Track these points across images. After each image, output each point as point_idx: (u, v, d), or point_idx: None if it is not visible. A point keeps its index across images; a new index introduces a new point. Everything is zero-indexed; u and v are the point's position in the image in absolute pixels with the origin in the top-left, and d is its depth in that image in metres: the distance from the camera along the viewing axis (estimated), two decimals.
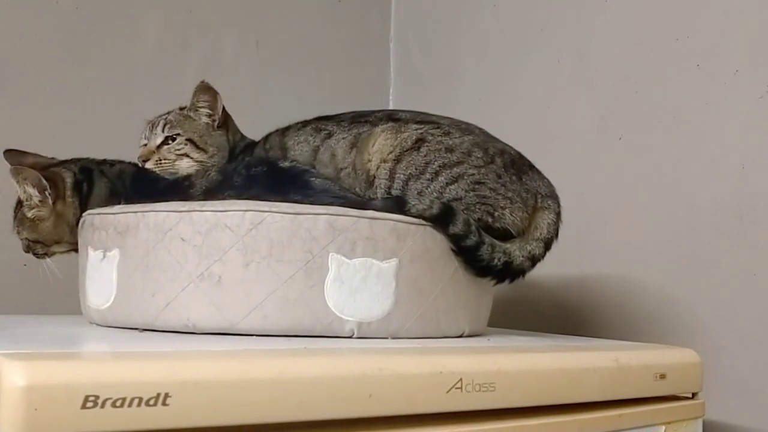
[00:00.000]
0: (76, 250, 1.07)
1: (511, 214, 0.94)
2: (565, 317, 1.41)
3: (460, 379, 0.72)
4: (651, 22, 1.34)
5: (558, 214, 0.98)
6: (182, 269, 0.86)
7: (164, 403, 0.58)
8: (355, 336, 0.87)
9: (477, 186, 0.93)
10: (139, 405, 0.57)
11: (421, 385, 0.70)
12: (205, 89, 1.07)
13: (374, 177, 0.95)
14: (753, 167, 1.16)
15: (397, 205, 0.90)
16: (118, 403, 0.56)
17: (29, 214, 1.03)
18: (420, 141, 0.95)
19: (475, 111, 1.60)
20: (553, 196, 0.99)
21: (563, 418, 0.79)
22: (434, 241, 0.92)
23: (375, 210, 0.89)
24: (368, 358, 0.70)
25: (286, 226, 0.85)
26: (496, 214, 0.93)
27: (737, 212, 1.17)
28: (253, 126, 1.16)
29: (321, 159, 1.00)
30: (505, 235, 0.95)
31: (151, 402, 0.57)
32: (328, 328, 0.86)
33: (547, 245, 0.96)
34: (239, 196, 0.89)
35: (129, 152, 1.09)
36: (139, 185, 1.02)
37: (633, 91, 1.35)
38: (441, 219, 0.90)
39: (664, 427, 0.88)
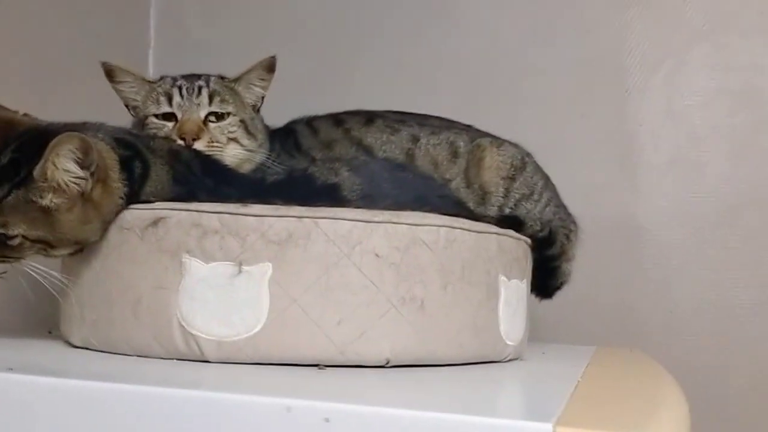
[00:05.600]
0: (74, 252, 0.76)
1: (575, 237, 1.00)
2: None
3: None
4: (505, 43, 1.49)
5: None
6: (378, 291, 0.71)
7: None
8: (507, 360, 0.84)
9: (558, 209, 0.97)
10: None
11: None
12: (271, 66, 0.87)
13: (489, 193, 0.92)
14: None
15: (514, 224, 0.89)
16: None
17: (45, 201, 0.70)
18: (524, 160, 0.95)
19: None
20: None
21: None
22: (528, 261, 0.93)
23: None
24: None
25: (473, 246, 0.78)
26: (571, 236, 0.99)
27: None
28: None
29: (421, 165, 0.90)
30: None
31: None
32: (499, 355, 0.82)
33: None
34: (401, 207, 0.76)
35: None
36: (226, 177, 0.78)
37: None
38: (546, 241, 0.92)
39: None
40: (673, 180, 1.41)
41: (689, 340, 1.39)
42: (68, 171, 0.69)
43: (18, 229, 0.70)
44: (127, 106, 0.90)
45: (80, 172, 0.69)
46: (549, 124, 1.47)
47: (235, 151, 0.85)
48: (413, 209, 0.76)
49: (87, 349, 0.77)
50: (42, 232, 0.71)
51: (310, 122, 0.95)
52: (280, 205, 0.72)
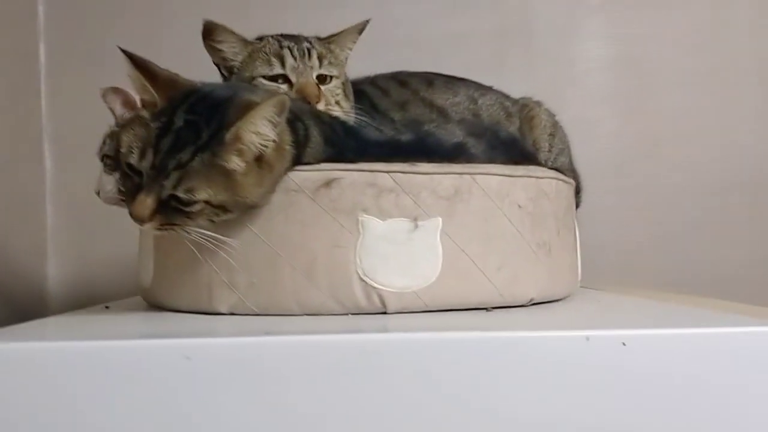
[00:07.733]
0: None
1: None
2: None
3: None
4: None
5: None
6: (523, 239, 0.80)
7: None
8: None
9: (572, 163, 1.10)
10: None
11: None
12: (363, 29, 0.88)
13: (539, 149, 1.01)
14: None
15: None
16: None
17: (231, 165, 0.68)
18: (556, 118, 1.06)
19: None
20: None
21: None
22: None
23: None
24: None
25: (567, 194, 0.89)
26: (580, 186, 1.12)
27: None
28: None
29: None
30: None
31: None
32: (577, 289, 0.94)
33: None
34: (515, 163, 0.84)
35: None
36: (364, 138, 0.79)
37: None
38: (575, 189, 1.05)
39: None
40: (575, 137, 1.62)
41: (595, 274, 1.62)
42: (262, 134, 0.68)
43: (204, 194, 0.67)
44: (218, 65, 0.87)
45: (272, 135, 0.69)
46: None
47: (339, 113, 0.86)
48: (522, 164, 0.84)
49: (235, 314, 0.76)
50: (224, 196, 0.69)
51: (374, 82, 0.98)
52: (426, 162, 0.77)
